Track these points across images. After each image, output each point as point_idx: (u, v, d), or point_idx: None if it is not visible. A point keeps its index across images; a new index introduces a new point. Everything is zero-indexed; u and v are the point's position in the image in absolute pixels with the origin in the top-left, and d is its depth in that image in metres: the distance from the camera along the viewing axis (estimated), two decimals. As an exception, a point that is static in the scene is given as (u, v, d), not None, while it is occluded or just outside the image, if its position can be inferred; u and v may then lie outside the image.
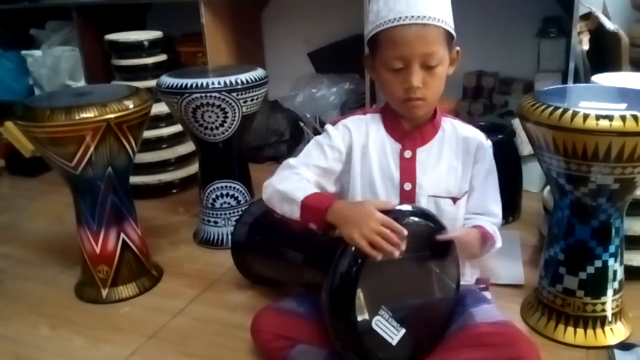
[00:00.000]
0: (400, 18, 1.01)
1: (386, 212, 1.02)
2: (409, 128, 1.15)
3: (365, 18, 1.37)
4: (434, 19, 1.03)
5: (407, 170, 1.14)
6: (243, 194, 1.76)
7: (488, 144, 1.18)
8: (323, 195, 1.08)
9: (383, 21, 1.03)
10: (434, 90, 1.07)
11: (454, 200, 1.15)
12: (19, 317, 1.46)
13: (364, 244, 0.97)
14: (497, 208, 1.20)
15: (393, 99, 1.10)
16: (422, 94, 1.06)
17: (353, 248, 1.00)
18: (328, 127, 1.19)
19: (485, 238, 1.14)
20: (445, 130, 1.16)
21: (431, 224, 1.06)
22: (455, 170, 1.15)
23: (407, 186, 1.14)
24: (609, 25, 1.92)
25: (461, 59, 1.12)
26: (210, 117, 1.61)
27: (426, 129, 1.15)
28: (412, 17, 1.01)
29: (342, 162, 1.16)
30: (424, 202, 1.13)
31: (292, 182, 1.10)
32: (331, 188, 1.16)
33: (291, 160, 1.16)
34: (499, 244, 1.18)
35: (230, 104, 1.60)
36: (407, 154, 1.14)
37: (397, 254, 0.97)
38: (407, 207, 1.07)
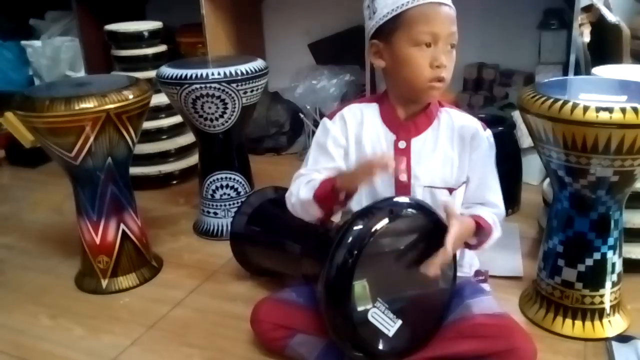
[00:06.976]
0: None
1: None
2: (404, 118, 1.15)
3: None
4: (452, 2, 1.08)
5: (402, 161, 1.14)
6: (243, 185, 1.76)
7: (486, 133, 1.17)
8: (327, 178, 1.11)
9: None
10: (450, 73, 1.10)
11: (450, 190, 1.15)
12: (19, 307, 1.47)
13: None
14: (496, 198, 1.17)
15: (416, 79, 1.08)
16: (445, 74, 1.08)
17: (350, 239, 1.00)
18: (326, 122, 1.18)
19: (480, 227, 1.10)
20: (441, 120, 1.16)
21: (427, 216, 1.06)
22: (451, 161, 1.15)
23: (403, 177, 1.14)
24: (611, 17, 1.91)
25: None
26: (210, 108, 1.61)
27: (420, 119, 1.15)
28: None
29: (347, 155, 1.17)
30: (419, 193, 1.13)
31: (307, 188, 1.12)
32: None
33: (302, 170, 1.17)
34: (497, 234, 1.14)
35: (230, 95, 1.59)
36: (402, 144, 1.14)
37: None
38: (404, 199, 1.08)
